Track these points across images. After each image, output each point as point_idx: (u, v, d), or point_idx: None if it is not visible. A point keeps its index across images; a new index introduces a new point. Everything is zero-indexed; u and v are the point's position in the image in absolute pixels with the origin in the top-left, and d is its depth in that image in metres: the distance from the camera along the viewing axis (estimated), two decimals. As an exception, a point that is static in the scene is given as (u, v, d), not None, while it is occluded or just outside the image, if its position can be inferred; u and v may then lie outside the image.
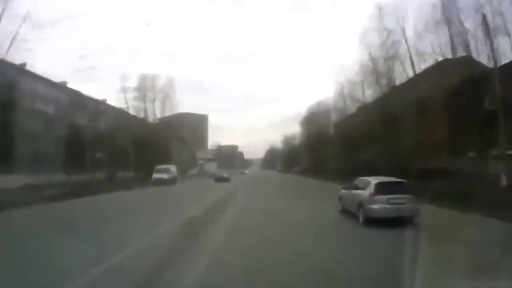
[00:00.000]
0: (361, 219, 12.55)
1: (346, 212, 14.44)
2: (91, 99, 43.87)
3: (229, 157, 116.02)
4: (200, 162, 79.93)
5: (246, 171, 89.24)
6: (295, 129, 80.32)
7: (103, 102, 46.61)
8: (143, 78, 49.99)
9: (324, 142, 49.52)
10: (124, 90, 47.88)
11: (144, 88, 50.53)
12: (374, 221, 11.78)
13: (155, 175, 39.35)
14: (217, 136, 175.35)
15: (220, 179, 47.17)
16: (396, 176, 14.67)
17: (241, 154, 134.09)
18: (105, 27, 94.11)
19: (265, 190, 31.91)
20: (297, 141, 78.89)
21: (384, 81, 34.77)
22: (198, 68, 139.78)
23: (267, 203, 19.99)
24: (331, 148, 46.16)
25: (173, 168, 44.26)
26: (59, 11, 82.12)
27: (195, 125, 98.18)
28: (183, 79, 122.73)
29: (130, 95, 49.32)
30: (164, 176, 39.22)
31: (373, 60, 35.02)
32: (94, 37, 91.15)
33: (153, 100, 52.25)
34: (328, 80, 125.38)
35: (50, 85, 38.86)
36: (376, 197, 12.18)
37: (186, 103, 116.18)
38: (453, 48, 29.27)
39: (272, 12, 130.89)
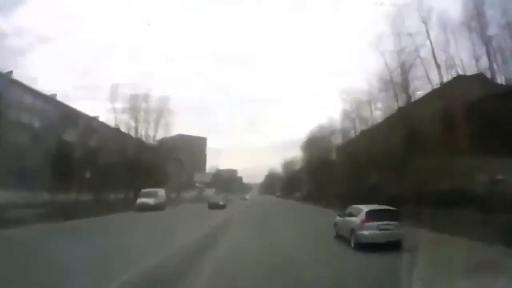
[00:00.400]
0: (352, 244, 13.39)
1: (340, 237, 15.23)
2: (82, 114, 41.72)
3: (228, 181, 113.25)
4: (198, 185, 75.41)
5: (247, 197, 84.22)
6: (295, 153, 78.25)
7: (95, 119, 44.32)
8: (134, 98, 47.20)
9: (326, 166, 46.81)
10: (114, 110, 45.32)
11: (135, 108, 47.70)
12: (365, 246, 12.56)
13: (140, 200, 35.88)
14: (217, 159, 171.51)
15: (214, 206, 41.30)
16: (408, 204, 16.12)
17: (240, 178, 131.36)
18: (104, 32, 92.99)
19: (265, 218, 28.96)
20: (297, 166, 76.57)
21: (402, 95, 31.75)
22: (197, 90, 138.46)
23: (266, 234, 18.18)
24: (334, 173, 43.48)
25: (161, 192, 40.34)
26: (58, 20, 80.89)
27: (193, 147, 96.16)
28: (182, 100, 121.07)
29: (120, 115, 46.56)
30: (150, 201, 35.72)
31: (389, 70, 32.24)
32: (93, 42, 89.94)
33: (146, 120, 49.52)
34: (331, 103, 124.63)
35: (39, 97, 36.91)
36: (366, 223, 13.03)
37: (184, 125, 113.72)
38: (476, 59, 27.00)
39: (276, 21, 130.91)
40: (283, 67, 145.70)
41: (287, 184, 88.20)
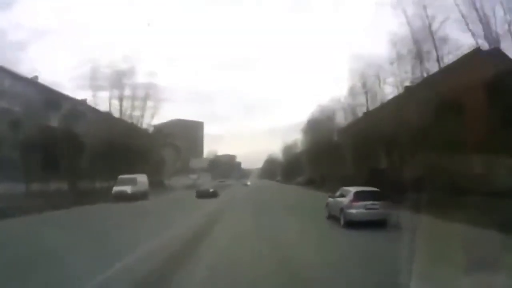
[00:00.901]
0: (342, 222, 14.68)
1: (332, 217, 16.37)
2: (67, 97, 38.89)
3: (227, 166, 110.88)
4: (192, 173, 69.36)
5: (248, 182, 75.16)
6: (296, 137, 75.98)
7: (82, 102, 41.51)
8: (118, 81, 44.61)
9: (329, 149, 43.93)
10: (95, 96, 42.92)
11: (120, 90, 45.27)
12: (353, 224, 13.83)
13: (116, 188, 31.21)
14: (216, 145, 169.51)
15: (203, 195, 34.27)
16: (412, 189, 16.91)
17: (239, 164, 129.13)
18: (104, 32, 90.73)
19: (264, 209, 24.85)
20: (298, 150, 74.11)
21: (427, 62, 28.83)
22: (196, 75, 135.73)
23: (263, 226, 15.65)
24: (337, 157, 40.78)
25: (142, 178, 35.00)
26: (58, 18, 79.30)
27: (189, 131, 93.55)
28: (182, 87, 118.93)
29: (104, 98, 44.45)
30: (127, 189, 30.98)
31: (413, 30, 29.16)
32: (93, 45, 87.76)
33: (133, 106, 46.96)
34: (330, 88, 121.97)
35: (18, 79, 33.96)
36: (354, 203, 14.28)
37: (183, 112, 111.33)
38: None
39: (274, 17, 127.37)
40: (283, 75, 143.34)
41: (287, 169, 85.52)
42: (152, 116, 49.00)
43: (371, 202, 14.16)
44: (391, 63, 32.76)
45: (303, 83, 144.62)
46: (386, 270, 6.79)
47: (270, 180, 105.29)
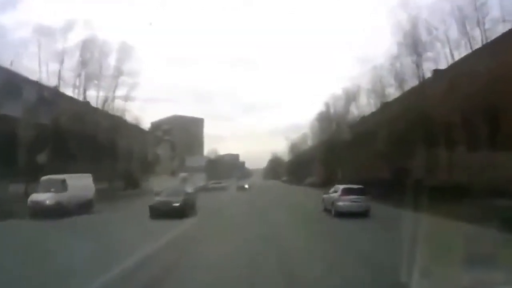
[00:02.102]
0: (332, 212, 19.19)
1: (326, 210, 20.93)
2: (32, 82, 32.30)
3: (228, 166, 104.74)
4: (182, 174, 57.26)
5: (246, 185, 54.64)
6: (303, 132, 70.79)
7: (52, 89, 34.76)
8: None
9: (348, 144, 37.25)
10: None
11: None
12: (342, 215, 18.29)
13: (34, 196, 20.32)
14: (217, 145, 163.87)
15: (161, 211, 18.89)
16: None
17: (242, 163, 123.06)
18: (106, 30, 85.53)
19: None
20: (306, 146, 67.83)
21: None
22: (197, 75, 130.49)
23: None
24: (358, 152, 34.33)
25: (80, 180, 22.80)
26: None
27: (188, 129, 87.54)
28: (181, 87, 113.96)
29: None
30: (48, 198, 19.81)
31: None
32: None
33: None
34: (332, 87, 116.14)
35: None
36: (342, 197, 18.74)
37: (183, 112, 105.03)
38: None
39: (273, 14, 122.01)
40: (285, 73, 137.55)
41: (294, 168, 78.42)
42: (125, 100, 41.09)
43: (356, 196, 18.43)
44: (431, 33, 26.82)
45: (304, 83, 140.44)
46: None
47: (275, 180, 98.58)
